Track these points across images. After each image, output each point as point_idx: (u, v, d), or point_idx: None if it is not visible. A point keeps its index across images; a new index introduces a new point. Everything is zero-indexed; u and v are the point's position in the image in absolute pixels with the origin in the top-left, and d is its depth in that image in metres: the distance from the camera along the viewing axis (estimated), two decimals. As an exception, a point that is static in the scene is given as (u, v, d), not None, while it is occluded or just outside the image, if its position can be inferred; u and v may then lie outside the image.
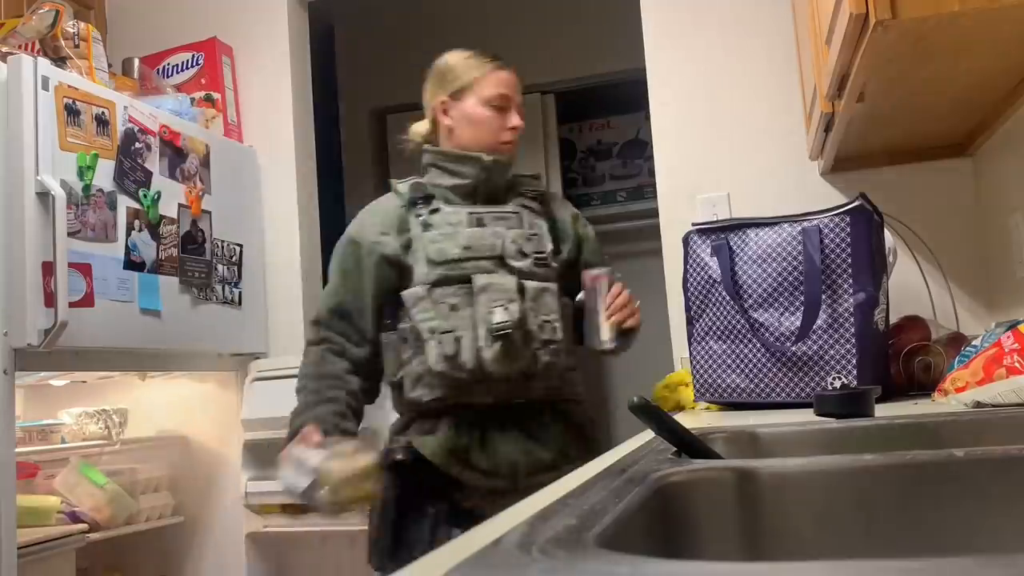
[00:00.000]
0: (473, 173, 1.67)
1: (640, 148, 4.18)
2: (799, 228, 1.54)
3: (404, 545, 1.57)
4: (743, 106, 2.30)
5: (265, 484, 2.37)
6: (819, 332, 1.51)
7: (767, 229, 1.58)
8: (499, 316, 1.54)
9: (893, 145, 2.06)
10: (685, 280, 1.72)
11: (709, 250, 1.65)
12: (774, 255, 1.56)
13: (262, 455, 2.40)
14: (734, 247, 1.62)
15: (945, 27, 1.22)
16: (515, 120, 1.71)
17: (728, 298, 1.60)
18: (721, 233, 1.64)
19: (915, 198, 2.10)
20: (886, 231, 1.69)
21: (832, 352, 1.50)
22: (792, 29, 2.25)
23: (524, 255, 1.64)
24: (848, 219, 1.52)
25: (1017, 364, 1.12)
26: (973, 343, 1.30)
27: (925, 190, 2.12)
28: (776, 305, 1.56)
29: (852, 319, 1.50)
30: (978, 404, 1.15)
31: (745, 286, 1.59)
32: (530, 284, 1.61)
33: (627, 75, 3.31)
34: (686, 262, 1.72)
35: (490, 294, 1.57)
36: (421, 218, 1.64)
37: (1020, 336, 1.14)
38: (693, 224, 1.74)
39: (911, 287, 2.00)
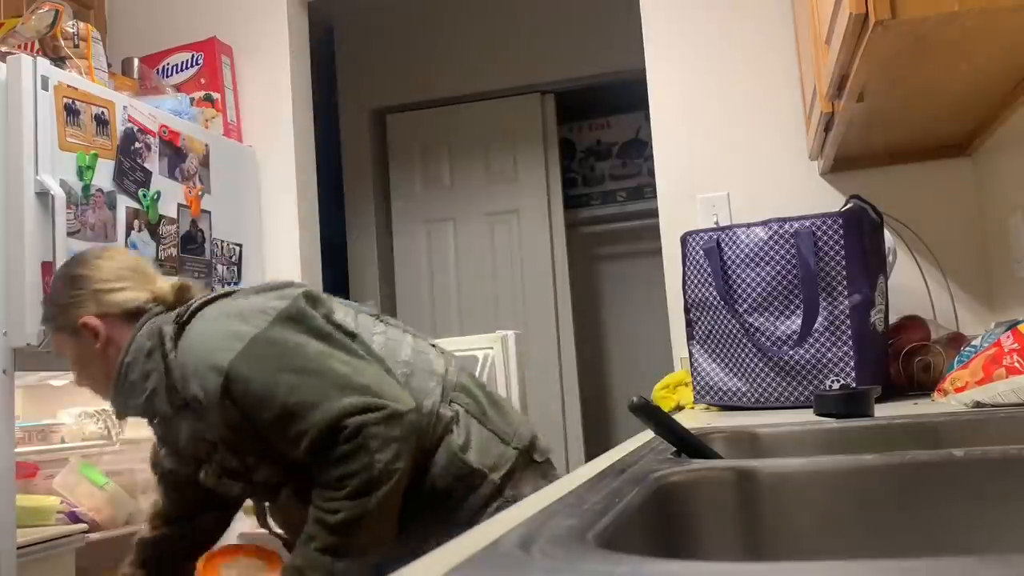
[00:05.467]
0: None
1: (640, 148, 4.18)
2: (791, 231, 1.54)
3: None
4: (743, 106, 2.30)
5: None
6: (816, 335, 1.51)
7: (757, 228, 1.58)
8: None
9: (893, 145, 2.06)
10: (684, 281, 1.72)
11: (703, 252, 1.65)
12: (766, 258, 1.56)
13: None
14: (724, 248, 1.61)
15: (945, 27, 1.22)
16: None
17: (722, 301, 1.60)
18: (712, 233, 1.65)
19: (915, 198, 2.09)
20: (886, 231, 1.69)
21: (830, 355, 1.50)
22: (792, 29, 2.25)
23: None
24: (841, 221, 1.52)
25: (1017, 364, 1.12)
26: (973, 343, 1.29)
27: (925, 190, 2.12)
28: (771, 309, 1.55)
29: (848, 321, 1.49)
30: (978, 404, 1.15)
31: (739, 290, 1.59)
32: None
33: (627, 75, 3.31)
34: (684, 263, 1.72)
35: None
36: None
37: (1020, 336, 1.14)
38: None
39: (911, 287, 2.00)
